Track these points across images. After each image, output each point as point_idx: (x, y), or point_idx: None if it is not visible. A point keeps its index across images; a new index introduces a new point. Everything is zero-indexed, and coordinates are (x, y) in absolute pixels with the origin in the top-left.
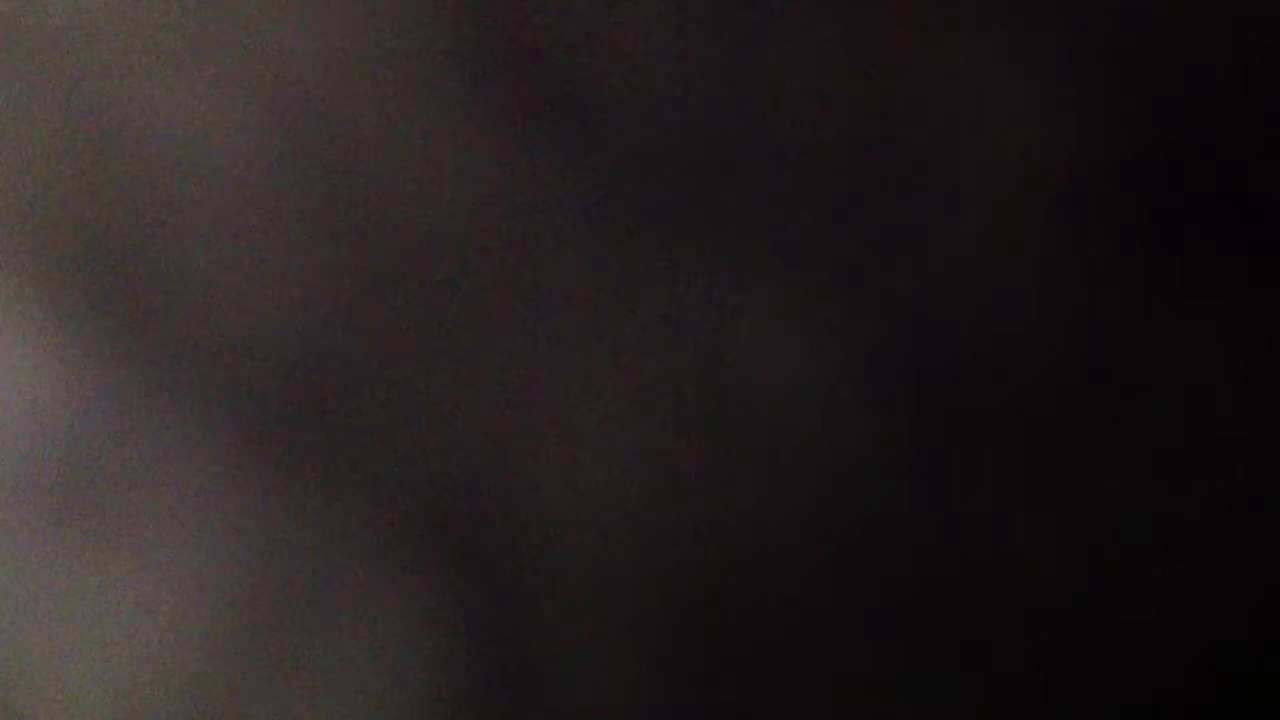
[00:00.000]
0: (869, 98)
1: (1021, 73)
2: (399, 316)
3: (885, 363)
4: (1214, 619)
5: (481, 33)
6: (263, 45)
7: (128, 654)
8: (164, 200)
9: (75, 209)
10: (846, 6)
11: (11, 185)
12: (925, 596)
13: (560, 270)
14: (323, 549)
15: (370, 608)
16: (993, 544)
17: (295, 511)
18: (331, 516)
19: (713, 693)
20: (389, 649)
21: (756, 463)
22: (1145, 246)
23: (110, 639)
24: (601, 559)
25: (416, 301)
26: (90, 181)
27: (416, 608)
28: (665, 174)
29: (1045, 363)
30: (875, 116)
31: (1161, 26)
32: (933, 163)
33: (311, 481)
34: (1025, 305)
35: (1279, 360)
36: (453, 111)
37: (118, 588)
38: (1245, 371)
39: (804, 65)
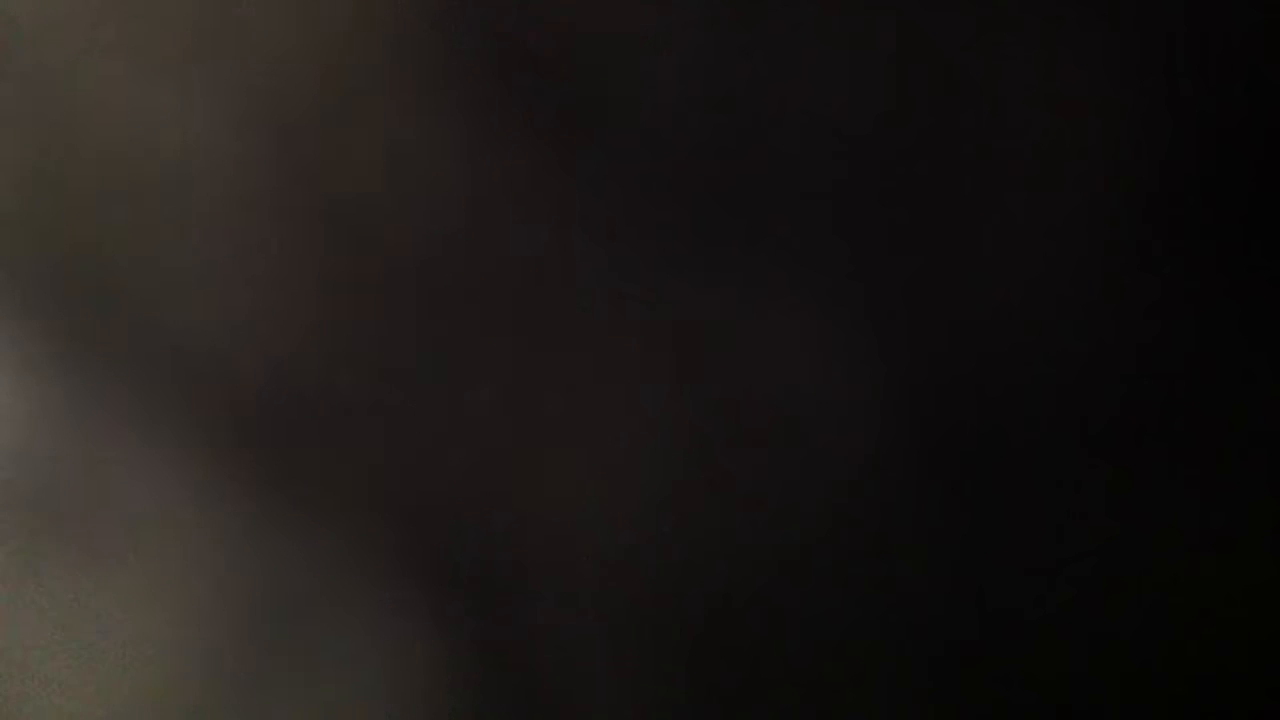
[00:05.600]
0: (902, 98)
1: (1064, 74)
2: (389, 328)
3: (920, 388)
4: (1255, 650)
5: (477, 23)
6: (240, 40)
7: (103, 679)
8: (134, 204)
9: (39, 214)
10: (878, 4)
11: None
12: (953, 635)
13: (565, 283)
14: (313, 571)
15: (366, 633)
16: (1035, 585)
17: (283, 532)
18: (322, 538)
19: None
20: (387, 676)
21: (775, 490)
22: (1206, 266)
23: (83, 665)
24: (608, 582)
25: (409, 312)
26: (54, 185)
27: (416, 632)
28: (679, 180)
29: (1098, 393)
30: (910, 120)
31: (1221, 25)
32: (971, 169)
33: (300, 501)
34: (1076, 330)
35: None
36: (446, 108)
37: (90, 612)
38: None
39: (832, 60)
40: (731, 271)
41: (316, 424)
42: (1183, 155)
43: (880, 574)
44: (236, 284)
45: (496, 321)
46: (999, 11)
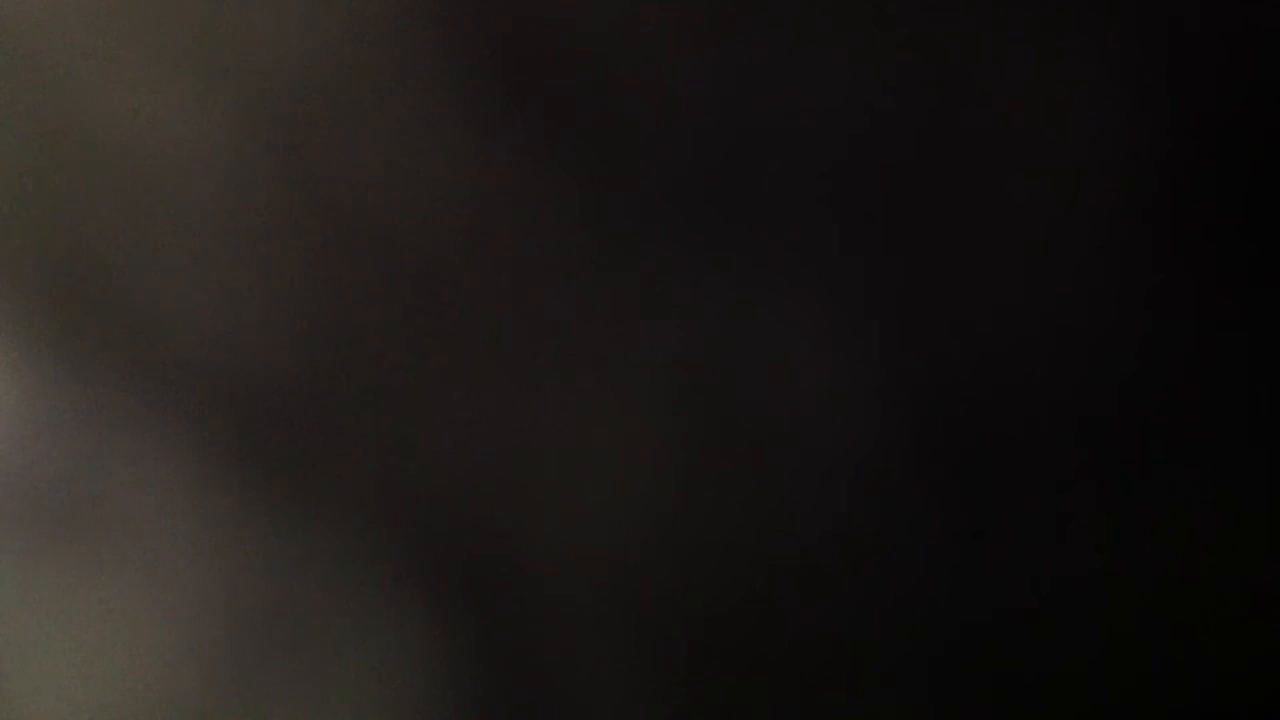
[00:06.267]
0: (902, 98)
1: (1064, 74)
2: (390, 328)
3: (920, 388)
4: (1255, 648)
5: (477, 23)
6: (239, 40)
7: (102, 679)
8: (134, 206)
9: (39, 214)
10: (878, 3)
11: None
12: (953, 635)
13: (564, 282)
14: (313, 571)
15: (366, 633)
16: (1031, 579)
17: (283, 532)
18: (322, 538)
19: None
20: (386, 676)
21: (775, 490)
22: (1206, 266)
23: (85, 667)
24: (608, 582)
25: (409, 313)
26: (54, 190)
27: (415, 633)
28: (681, 179)
29: (1097, 393)
30: (904, 121)
31: (1221, 25)
32: (971, 170)
33: (300, 501)
34: (1076, 330)
35: None
36: (447, 107)
37: (90, 612)
38: None
39: (831, 59)
40: (732, 271)
41: (317, 424)
42: (1183, 155)
43: (880, 574)
44: (237, 283)
45: (496, 321)
46: (999, 12)
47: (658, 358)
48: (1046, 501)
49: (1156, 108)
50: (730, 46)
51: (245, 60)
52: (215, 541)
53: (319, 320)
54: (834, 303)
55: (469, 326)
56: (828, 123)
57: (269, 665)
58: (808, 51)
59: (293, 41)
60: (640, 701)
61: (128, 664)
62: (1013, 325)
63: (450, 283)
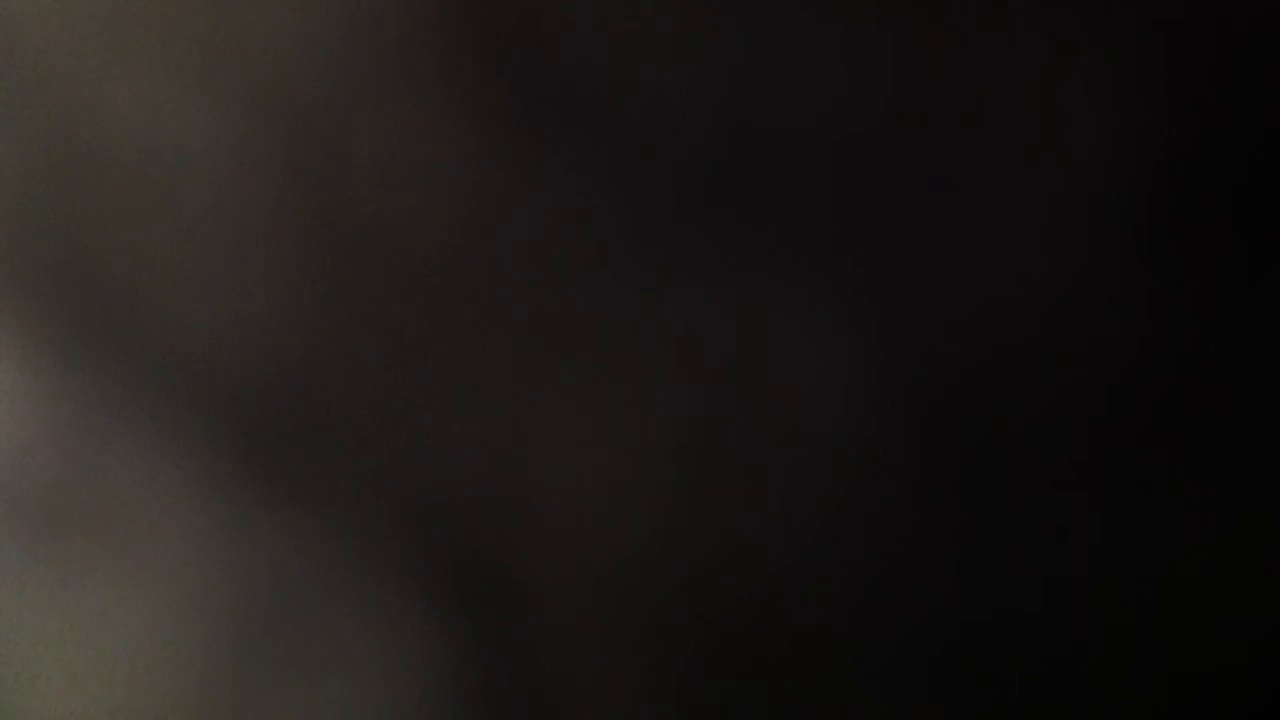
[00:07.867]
0: (902, 97)
1: (1064, 74)
2: (390, 328)
3: (920, 387)
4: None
5: (477, 23)
6: (239, 39)
7: (103, 678)
8: (135, 205)
9: (40, 213)
10: (877, 3)
11: None
12: (953, 635)
13: (564, 281)
14: (314, 571)
15: (366, 633)
16: (1031, 579)
17: (284, 532)
18: (323, 537)
19: None
20: (386, 675)
21: (774, 490)
22: (1206, 266)
23: (83, 664)
24: (608, 583)
25: (409, 313)
26: (54, 185)
27: (415, 633)
28: (681, 178)
29: (1097, 392)
30: (904, 120)
31: (1221, 25)
32: (970, 169)
33: (300, 501)
34: (1075, 329)
35: None
36: (447, 107)
37: (90, 612)
38: None
39: (831, 58)
40: (731, 271)
41: (317, 424)
42: (1182, 155)
43: (880, 573)
44: (237, 283)
45: (497, 322)
46: (999, 12)
47: (658, 357)
48: (1046, 501)
49: (1156, 108)
50: (730, 46)
51: (245, 60)
52: (215, 541)
53: (319, 320)
54: (833, 302)
55: (468, 326)
56: (827, 122)
57: (269, 664)
58: (807, 51)
59: (293, 41)
60: (640, 701)
61: (128, 664)
62: (1012, 325)
63: (450, 282)
